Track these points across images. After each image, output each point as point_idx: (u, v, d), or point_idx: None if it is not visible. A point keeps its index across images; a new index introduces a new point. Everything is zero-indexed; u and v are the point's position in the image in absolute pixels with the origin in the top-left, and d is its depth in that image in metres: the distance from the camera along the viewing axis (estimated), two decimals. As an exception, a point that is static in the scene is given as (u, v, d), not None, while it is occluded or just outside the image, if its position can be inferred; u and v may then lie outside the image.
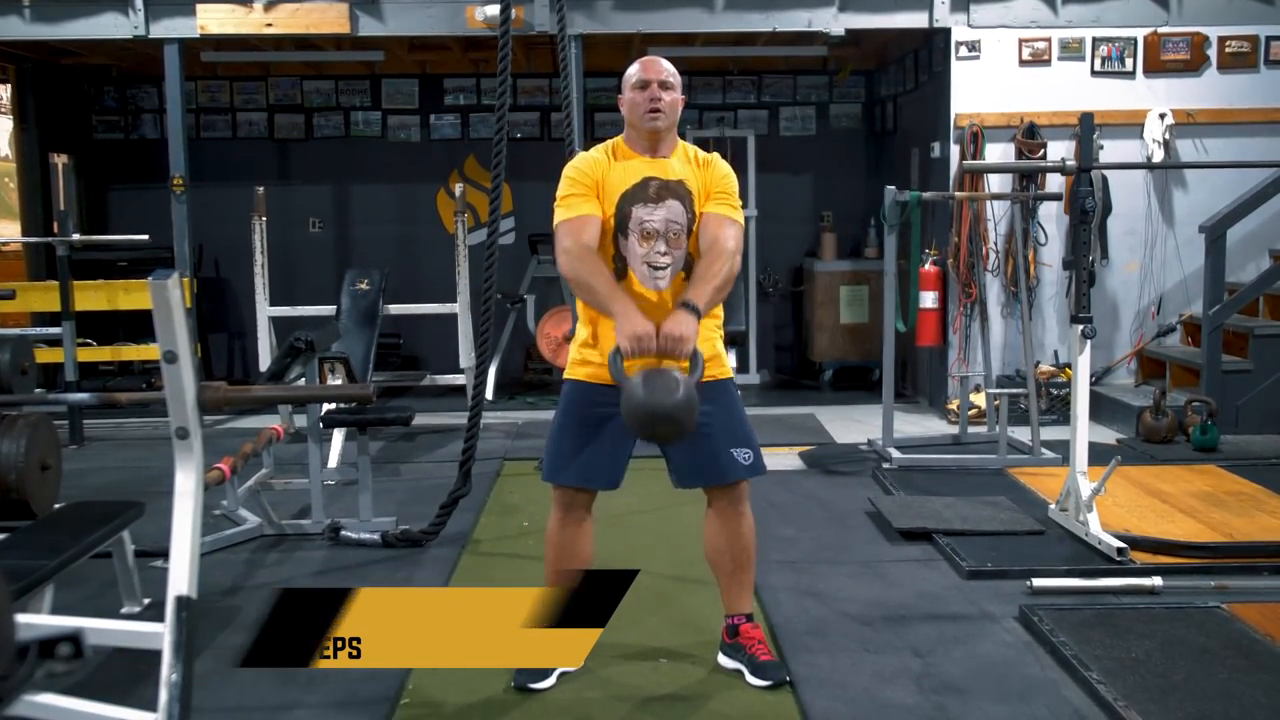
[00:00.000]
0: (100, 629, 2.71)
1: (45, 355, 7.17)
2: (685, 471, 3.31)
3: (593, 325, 3.26)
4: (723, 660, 3.41)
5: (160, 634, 2.55)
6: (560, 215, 3.22)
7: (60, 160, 9.10)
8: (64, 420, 6.60)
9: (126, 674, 3.21)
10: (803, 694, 3.19)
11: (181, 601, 2.56)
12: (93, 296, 7.24)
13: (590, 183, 3.21)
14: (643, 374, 2.94)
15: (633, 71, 3.27)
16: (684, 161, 3.27)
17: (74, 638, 1.80)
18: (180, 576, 2.57)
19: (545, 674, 3.27)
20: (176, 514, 2.56)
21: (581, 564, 3.37)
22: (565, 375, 3.35)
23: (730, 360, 8.20)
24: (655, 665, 3.44)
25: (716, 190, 3.24)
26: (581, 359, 3.29)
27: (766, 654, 3.34)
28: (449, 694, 3.24)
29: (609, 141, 3.34)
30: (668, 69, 3.27)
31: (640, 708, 3.16)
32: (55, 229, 6.72)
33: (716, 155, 3.33)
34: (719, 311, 3.31)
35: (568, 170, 3.27)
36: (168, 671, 2.53)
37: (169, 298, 2.57)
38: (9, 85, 8.72)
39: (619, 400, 3.15)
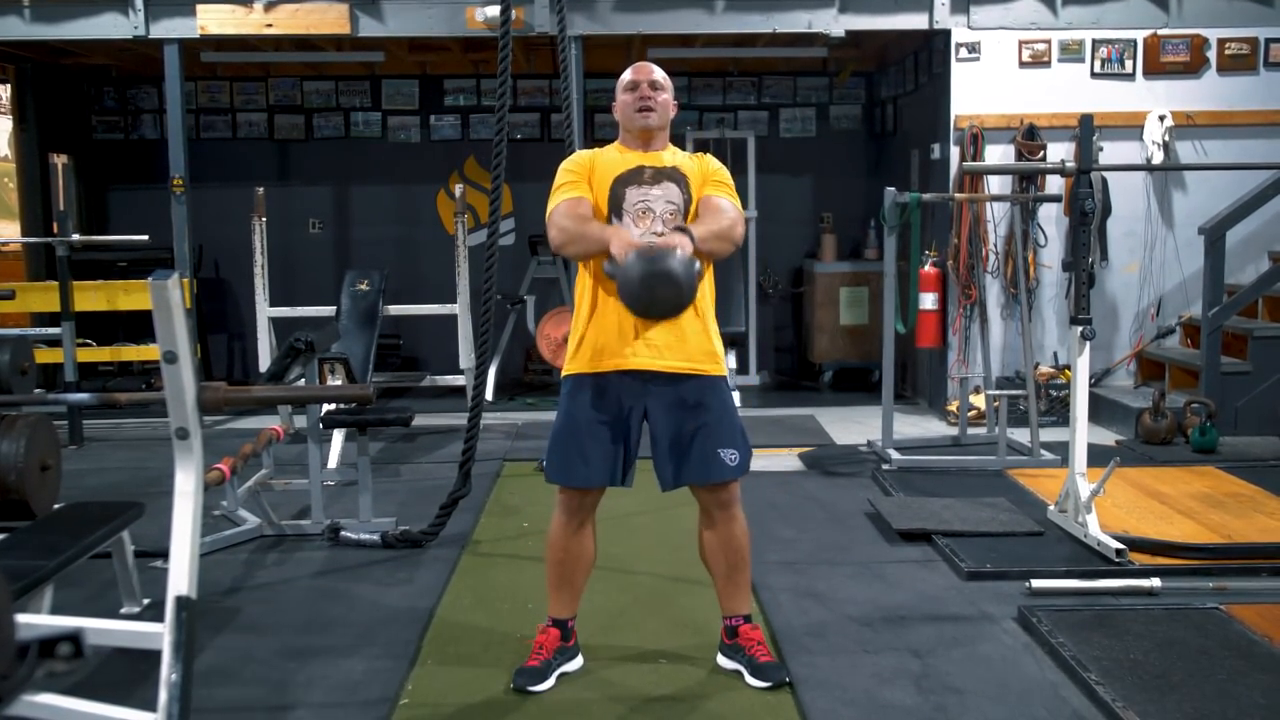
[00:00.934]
0: (100, 629, 2.71)
1: (45, 355, 7.17)
2: (671, 469, 3.28)
3: (588, 325, 3.26)
4: (722, 661, 3.41)
5: (160, 634, 2.55)
6: (552, 203, 3.27)
7: (60, 160, 9.10)
8: (63, 421, 6.61)
9: (126, 674, 3.22)
10: (802, 695, 3.19)
11: (181, 601, 2.56)
12: (92, 297, 7.24)
13: (583, 171, 3.27)
14: (636, 250, 2.97)
15: (624, 75, 3.35)
16: (677, 154, 3.35)
17: (74, 637, 1.80)
18: (180, 576, 2.57)
19: (545, 676, 3.28)
20: (176, 514, 2.56)
21: (585, 566, 3.38)
22: (564, 372, 3.35)
23: (730, 361, 8.32)
24: (655, 666, 3.44)
25: (713, 179, 3.30)
26: (577, 351, 3.29)
27: (766, 655, 3.34)
28: (448, 694, 3.24)
29: (605, 145, 3.41)
30: (658, 72, 3.33)
31: (640, 709, 3.16)
32: (55, 229, 6.71)
33: (708, 153, 3.41)
34: (709, 310, 3.31)
35: (562, 164, 3.35)
36: (167, 671, 2.53)
37: (169, 298, 2.57)
38: (9, 85, 8.71)
39: (619, 389, 3.16)
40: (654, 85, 3.28)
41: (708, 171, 3.31)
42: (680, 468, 3.27)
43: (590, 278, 3.26)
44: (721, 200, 3.24)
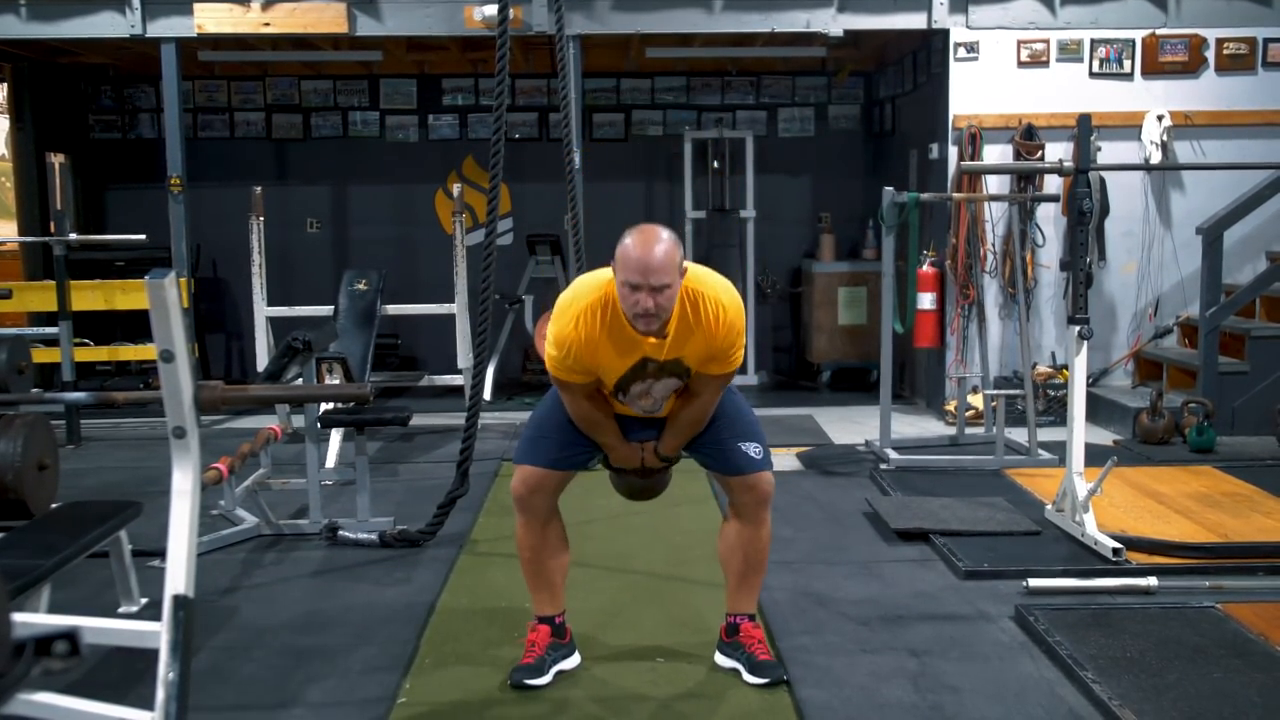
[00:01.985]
0: (98, 628, 2.71)
1: (42, 355, 7.16)
2: (709, 460, 3.33)
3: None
4: (720, 659, 3.41)
5: (158, 633, 2.55)
6: (563, 393, 3.21)
7: (57, 160, 9.08)
8: (61, 420, 6.60)
9: (124, 673, 3.22)
10: (799, 693, 3.19)
11: (179, 600, 2.56)
12: (90, 296, 7.23)
13: (582, 369, 3.08)
14: (626, 478, 3.45)
15: (626, 259, 2.91)
16: (684, 330, 3.02)
17: (71, 635, 1.79)
18: (178, 576, 2.57)
19: (541, 671, 3.28)
20: (174, 513, 2.56)
21: (556, 564, 3.35)
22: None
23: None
24: (652, 664, 3.44)
25: (720, 357, 3.07)
26: None
27: (765, 653, 3.34)
28: (446, 692, 3.25)
29: (601, 293, 3.03)
30: (662, 263, 2.88)
31: (636, 706, 3.16)
32: (52, 229, 6.70)
33: (723, 308, 3.02)
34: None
35: (560, 348, 3.05)
36: (165, 670, 2.53)
37: (166, 297, 2.58)
38: (5, 84, 8.70)
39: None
40: (655, 290, 2.89)
41: (717, 349, 3.05)
42: (715, 460, 3.29)
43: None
44: (706, 397, 3.16)
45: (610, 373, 3.10)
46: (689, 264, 3.07)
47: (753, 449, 3.27)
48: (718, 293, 3.05)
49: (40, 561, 2.96)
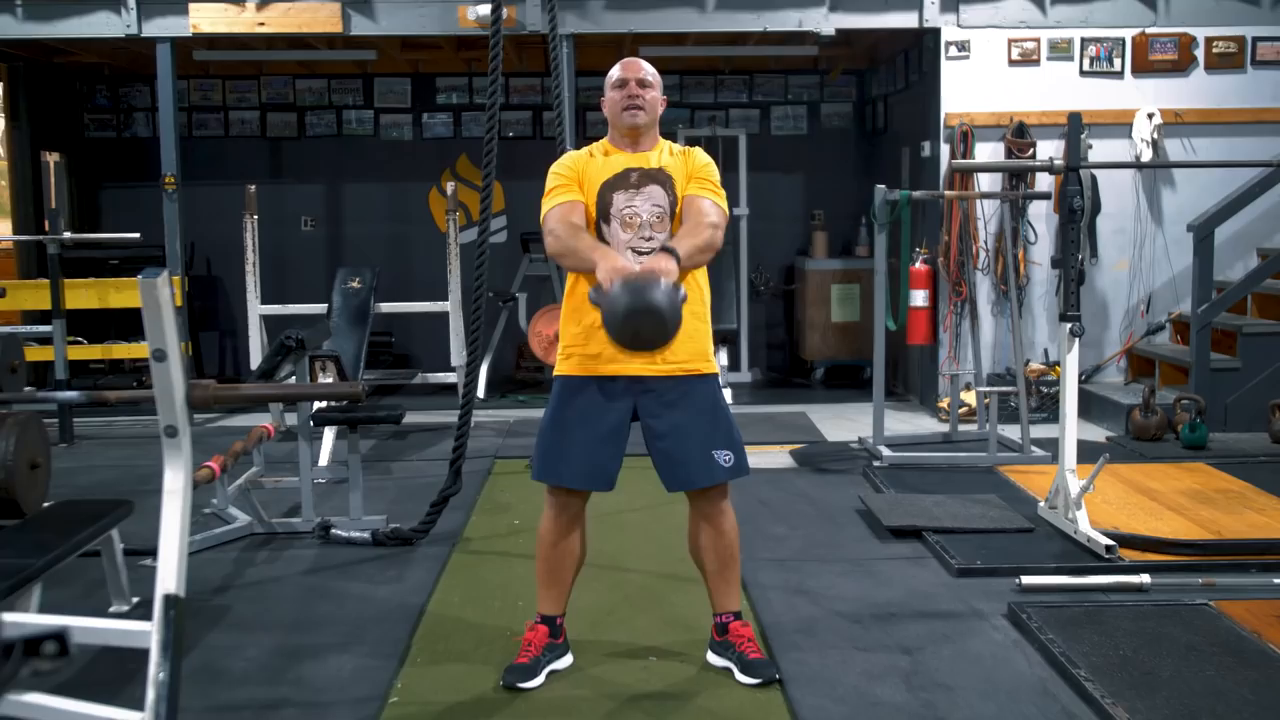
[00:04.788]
0: (87, 627, 2.70)
1: (36, 354, 7.16)
2: (669, 475, 3.31)
3: (578, 319, 3.26)
4: (712, 658, 3.42)
5: (148, 632, 2.55)
6: (546, 206, 3.28)
7: (52, 159, 9.08)
8: (54, 419, 6.59)
9: (115, 672, 3.22)
10: (792, 692, 3.20)
11: (169, 600, 2.55)
12: (84, 295, 7.22)
13: (572, 175, 3.29)
14: (622, 279, 2.92)
15: (613, 72, 3.35)
16: (664, 153, 3.34)
17: (59, 636, 1.79)
18: (168, 575, 2.56)
19: (534, 673, 3.28)
20: (165, 512, 2.56)
21: (573, 563, 3.39)
22: (555, 372, 3.37)
23: (721, 359, 8.32)
24: (644, 664, 3.44)
25: (697, 175, 3.28)
26: (569, 353, 3.30)
27: (756, 652, 3.35)
28: (438, 693, 3.24)
29: (594, 143, 3.42)
30: (647, 69, 3.34)
31: (629, 706, 3.16)
32: (46, 227, 6.70)
33: (697, 148, 3.39)
34: (704, 308, 3.31)
35: (552, 167, 3.36)
36: (155, 670, 2.53)
37: (159, 296, 2.57)
38: (1, 84, 8.69)
39: (610, 391, 3.18)
40: (642, 83, 3.29)
41: (693, 168, 3.29)
42: (676, 472, 3.29)
43: (578, 278, 3.27)
44: (704, 202, 3.23)
45: (596, 181, 3.26)
46: None
47: (723, 457, 3.28)
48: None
49: (30, 561, 2.95)
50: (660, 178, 3.26)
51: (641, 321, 2.88)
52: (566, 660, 3.41)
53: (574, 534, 3.36)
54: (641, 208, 3.23)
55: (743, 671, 3.30)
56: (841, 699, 3.15)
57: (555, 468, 3.29)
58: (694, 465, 3.27)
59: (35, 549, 3.08)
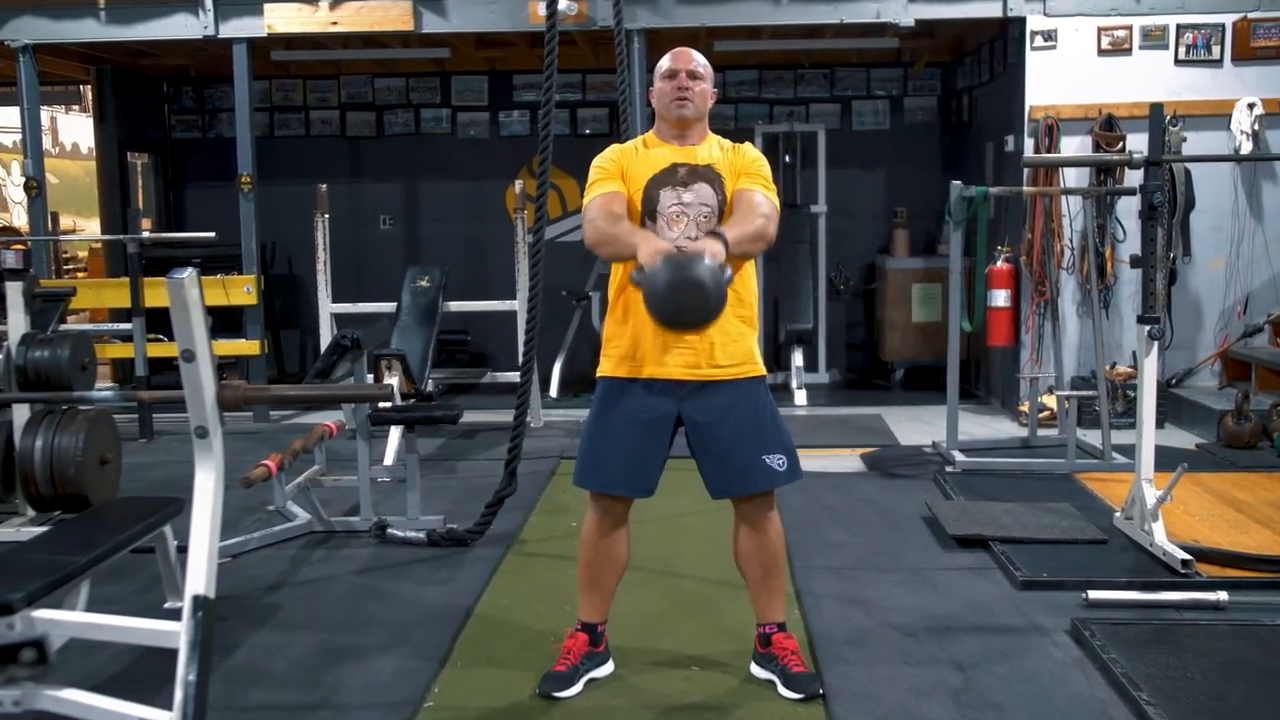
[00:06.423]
0: (119, 626, 2.72)
1: (118, 350, 7.32)
2: (718, 481, 3.22)
3: (622, 318, 3.19)
4: (755, 670, 3.32)
5: (177, 633, 2.55)
6: (587, 198, 3.19)
7: (139, 159, 9.30)
8: (134, 415, 6.72)
9: (160, 669, 3.22)
10: (834, 707, 3.09)
11: (199, 601, 2.56)
12: (163, 293, 7.33)
13: (615, 168, 3.20)
14: (664, 256, 2.83)
15: (663, 62, 3.24)
16: (713, 148, 3.23)
17: (38, 643, 1.79)
18: (198, 576, 2.56)
19: (571, 681, 3.22)
20: (195, 513, 2.56)
21: (616, 569, 3.31)
22: (598, 373, 3.29)
23: (797, 359, 8.17)
24: (686, 674, 3.36)
25: (748, 171, 3.18)
26: (611, 354, 3.23)
27: (800, 665, 3.24)
28: (474, 698, 3.20)
29: (641, 135, 3.33)
30: (698, 59, 3.22)
31: (665, 717, 3.08)
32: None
33: (747, 144, 3.29)
34: (749, 310, 3.21)
35: (595, 160, 3.24)
36: (184, 671, 2.53)
37: (186, 297, 2.59)
38: (90, 86, 8.92)
39: (653, 394, 3.13)
40: (692, 75, 3.18)
41: (743, 164, 3.19)
42: (724, 479, 3.20)
43: (624, 277, 3.19)
44: (755, 195, 3.13)
45: (641, 176, 3.16)
46: None
47: (776, 461, 3.17)
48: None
49: (75, 558, 2.98)
50: (709, 175, 3.16)
51: (684, 296, 2.77)
52: (607, 668, 3.34)
53: (616, 540, 3.28)
54: (689, 206, 3.13)
55: (785, 685, 3.20)
56: (884, 716, 3.04)
57: (595, 472, 3.22)
58: (744, 470, 3.17)
59: (83, 545, 3.11)
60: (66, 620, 2.86)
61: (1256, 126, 6.94)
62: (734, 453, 3.16)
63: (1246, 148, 6.91)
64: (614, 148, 3.29)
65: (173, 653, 2.79)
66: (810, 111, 9.20)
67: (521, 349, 4.86)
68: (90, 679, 3.19)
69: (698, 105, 3.19)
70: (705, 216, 3.13)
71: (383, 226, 9.44)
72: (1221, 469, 5.67)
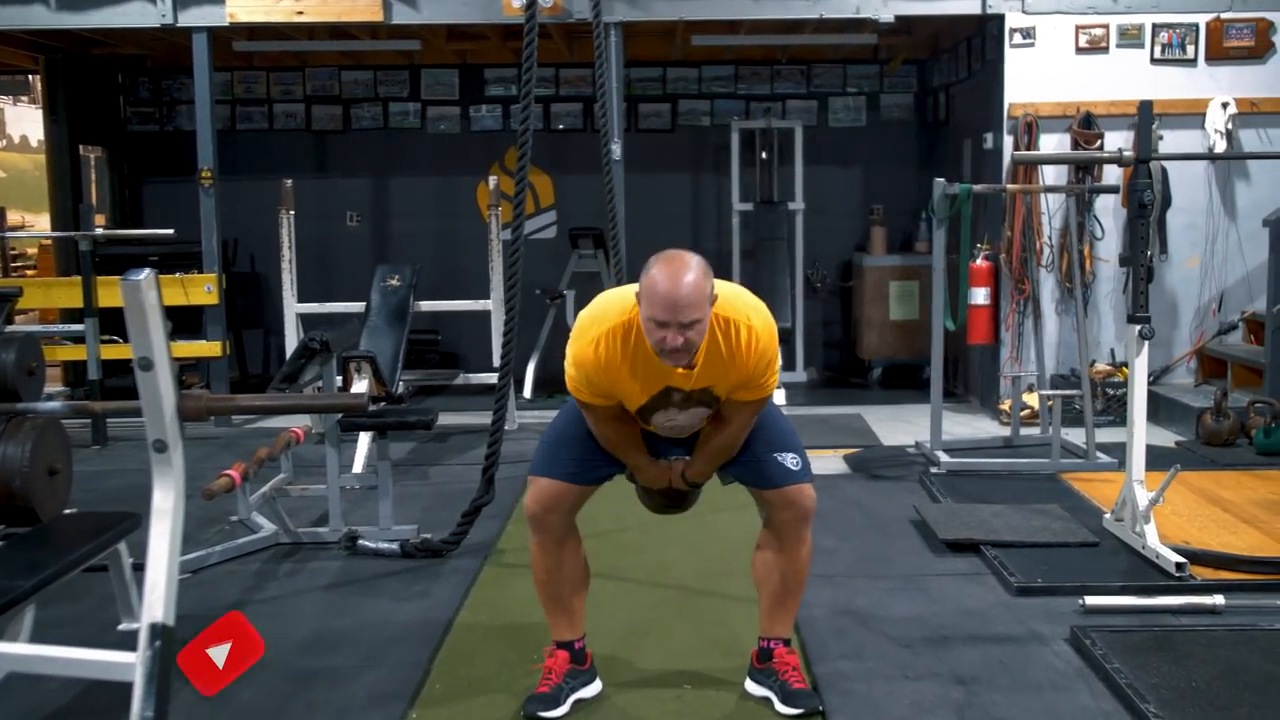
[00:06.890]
0: (68, 659, 2.51)
1: (69, 353, 7.06)
2: (727, 469, 3.09)
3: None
4: (751, 687, 3.18)
5: (131, 665, 2.36)
6: (578, 400, 2.98)
7: (92, 153, 9.00)
8: (88, 420, 6.47)
9: (112, 702, 3.04)
10: (834, 726, 2.96)
11: (156, 630, 2.37)
12: (117, 292, 7.11)
13: (602, 392, 2.90)
14: (661, 493, 3.22)
15: (652, 297, 2.67)
16: (714, 359, 2.80)
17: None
18: (156, 602, 2.37)
19: (557, 701, 3.07)
20: (153, 534, 2.36)
21: (574, 583, 3.13)
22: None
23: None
24: (678, 693, 3.21)
25: (755, 383, 2.87)
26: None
27: (799, 681, 3.11)
28: (455, 723, 3.04)
29: (624, 318, 2.80)
30: (690, 301, 2.64)
31: (658, 740, 2.95)
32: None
33: (755, 334, 2.80)
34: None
35: (575, 373, 2.88)
36: (139, 707, 2.34)
37: (143, 300, 2.39)
38: (39, 76, 8.61)
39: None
40: (684, 326, 2.65)
41: (749, 377, 2.84)
42: (736, 469, 3.07)
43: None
44: (739, 423, 2.94)
45: (631, 400, 2.90)
46: (717, 283, 2.78)
47: (790, 459, 3.03)
48: (749, 317, 2.81)
49: (19, 583, 2.77)
50: (705, 399, 2.90)
51: (669, 509, 3.37)
52: (594, 688, 3.19)
53: (566, 553, 3.10)
54: (682, 420, 2.96)
55: (783, 701, 3.07)
56: (888, 737, 2.91)
57: (554, 463, 3.05)
58: (756, 466, 3.03)
59: (29, 568, 2.90)
60: (7, 653, 2.67)
61: (1230, 125, 6.92)
62: (745, 451, 3.03)
63: (1220, 146, 6.89)
64: (594, 364, 2.82)
65: (127, 684, 2.62)
66: (787, 108, 9.09)
67: (499, 350, 4.69)
68: (35, 713, 3.01)
69: (693, 350, 2.73)
70: (699, 423, 2.99)
71: (350, 223, 9.22)
72: (1202, 467, 5.62)
